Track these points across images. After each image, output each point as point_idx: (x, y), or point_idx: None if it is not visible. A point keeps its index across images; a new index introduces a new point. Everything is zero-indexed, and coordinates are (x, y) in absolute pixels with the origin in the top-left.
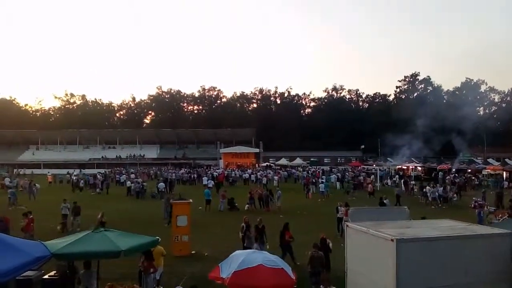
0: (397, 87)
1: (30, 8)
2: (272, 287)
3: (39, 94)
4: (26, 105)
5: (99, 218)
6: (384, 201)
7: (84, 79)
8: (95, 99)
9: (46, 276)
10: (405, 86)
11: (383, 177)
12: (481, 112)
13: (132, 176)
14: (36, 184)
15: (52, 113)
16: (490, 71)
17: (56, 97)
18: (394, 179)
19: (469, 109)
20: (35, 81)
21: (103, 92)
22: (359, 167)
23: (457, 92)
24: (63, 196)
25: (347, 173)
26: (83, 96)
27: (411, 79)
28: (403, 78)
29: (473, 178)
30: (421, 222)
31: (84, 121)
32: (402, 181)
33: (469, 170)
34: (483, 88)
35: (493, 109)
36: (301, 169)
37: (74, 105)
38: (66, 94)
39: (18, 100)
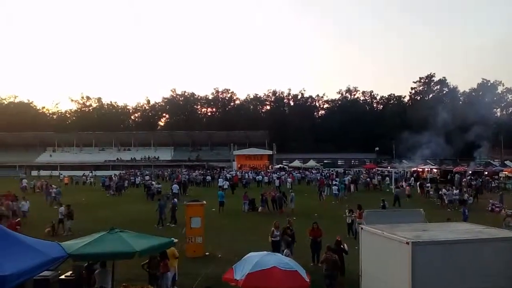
0: (412, 88)
1: (47, 12)
2: None
3: (56, 97)
4: (43, 108)
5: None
6: (385, 204)
7: (99, 82)
8: (111, 102)
9: (62, 277)
10: (421, 88)
11: (398, 180)
12: (498, 114)
13: (147, 177)
14: (53, 186)
15: (68, 115)
16: (507, 71)
17: (72, 100)
18: (409, 181)
19: (486, 111)
20: (52, 85)
21: (118, 95)
22: (374, 169)
23: (473, 93)
24: (80, 198)
25: (361, 175)
26: (99, 99)
27: (427, 80)
28: (418, 79)
29: (490, 180)
30: (437, 225)
31: (100, 124)
32: (417, 183)
33: (486, 173)
34: (500, 89)
35: (510, 110)
36: (314, 171)
37: (90, 108)
38: (82, 97)
39: (35, 103)
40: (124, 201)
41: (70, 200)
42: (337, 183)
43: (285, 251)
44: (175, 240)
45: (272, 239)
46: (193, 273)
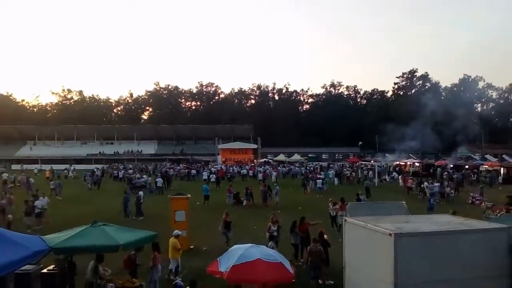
0: (395, 83)
1: (27, 4)
2: (271, 281)
3: (36, 90)
4: (23, 100)
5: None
6: (360, 197)
7: (81, 74)
8: (93, 95)
9: (44, 270)
10: (403, 83)
11: (381, 173)
12: (479, 109)
13: (130, 171)
14: (30, 179)
15: (49, 108)
16: (488, 67)
17: (53, 93)
18: (392, 175)
19: (467, 106)
20: (32, 77)
21: (101, 88)
22: (357, 163)
23: (455, 89)
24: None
25: (345, 169)
26: (81, 92)
27: (409, 76)
28: (401, 74)
29: (471, 174)
30: (419, 217)
31: (82, 117)
32: (400, 176)
33: (467, 166)
34: (481, 84)
35: (491, 105)
36: (297, 165)
37: (72, 101)
38: (64, 90)
39: (15, 95)
40: (102, 195)
41: (49, 193)
42: (321, 176)
43: (269, 243)
44: (179, 232)
45: (269, 234)
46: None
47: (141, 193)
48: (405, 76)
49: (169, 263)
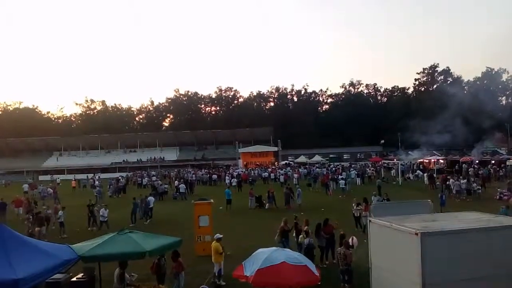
0: (416, 79)
1: (49, 16)
2: (296, 284)
3: (61, 102)
4: (48, 112)
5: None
6: (372, 198)
7: (103, 85)
8: (115, 104)
9: (74, 279)
10: (424, 78)
11: (405, 172)
12: (504, 102)
13: (154, 178)
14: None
15: (73, 119)
16: None
17: (77, 104)
18: (416, 173)
19: (491, 99)
20: (56, 89)
21: (122, 97)
22: (380, 162)
23: (478, 82)
24: (87, 201)
25: (367, 169)
26: (103, 102)
27: (430, 71)
28: (422, 70)
29: (498, 169)
30: (446, 215)
31: (105, 126)
32: (425, 174)
33: (493, 161)
34: (504, 77)
35: None
36: (318, 165)
37: (95, 111)
38: (87, 101)
39: (40, 108)
40: (124, 203)
41: (79, 203)
42: (344, 177)
43: (307, 239)
44: (221, 236)
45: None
46: (203, 271)
47: (151, 198)
48: (426, 71)
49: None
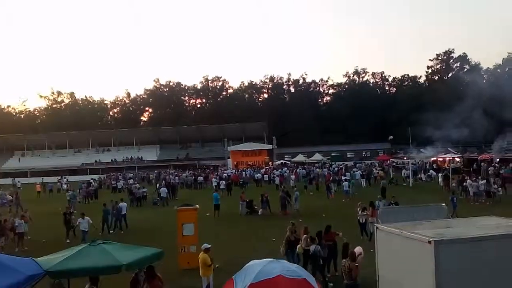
0: (428, 67)
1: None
2: None
3: (23, 94)
4: (8, 107)
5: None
6: (377, 203)
7: (72, 74)
8: (85, 96)
9: None
10: (438, 66)
11: (416, 172)
12: None
13: (130, 181)
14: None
15: (38, 114)
16: None
17: (41, 96)
18: (428, 173)
19: None
20: (17, 79)
21: (94, 88)
22: (388, 161)
23: (498, 70)
24: (56, 206)
25: (374, 169)
26: (72, 94)
27: (445, 58)
28: (435, 56)
29: None
30: (462, 221)
31: (74, 122)
32: (439, 175)
33: None
34: None
35: None
36: (317, 165)
37: (62, 104)
38: (53, 93)
39: None
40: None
41: (45, 210)
42: (347, 178)
43: (315, 247)
44: (209, 246)
45: (305, 248)
46: (188, 287)
47: (123, 204)
48: (440, 58)
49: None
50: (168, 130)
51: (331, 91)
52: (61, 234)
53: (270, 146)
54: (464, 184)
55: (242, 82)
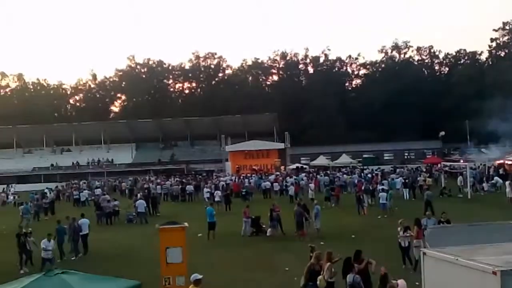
0: (492, 40)
1: None
2: None
3: None
4: None
5: None
6: (425, 221)
7: (20, 51)
8: (38, 79)
9: None
10: (505, 38)
11: (476, 179)
12: None
13: (98, 191)
14: None
15: None
16: None
17: None
18: (493, 180)
19: None
20: None
21: (49, 69)
22: (438, 165)
23: None
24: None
25: (420, 175)
26: (20, 76)
27: None
28: (501, 26)
29: None
30: None
31: (23, 113)
32: (507, 183)
33: None
34: None
35: None
36: (344, 170)
37: (7, 89)
38: None
39: None
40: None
41: None
42: (385, 187)
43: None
44: (200, 276)
45: (328, 280)
46: None
47: (84, 221)
48: (508, 28)
49: None
50: (146, 124)
51: (362, 71)
52: (10, 261)
53: (281, 145)
54: None
55: (244, 60)
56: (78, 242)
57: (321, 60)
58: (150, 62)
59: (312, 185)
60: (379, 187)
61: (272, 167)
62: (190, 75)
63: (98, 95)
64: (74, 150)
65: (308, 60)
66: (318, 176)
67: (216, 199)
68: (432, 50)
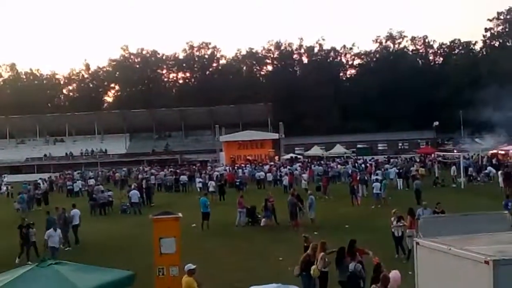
0: (486, 29)
1: None
2: None
3: None
4: None
5: None
6: (420, 212)
7: (13, 41)
8: (31, 69)
9: None
10: (499, 28)
11: (470, 169)
12: None
13: (91, 182)
14: None
15: None
16: None
17: None
18: (486, 170)
19: None
20: None
21: (42, 58)
22: (432, 155)
23: None
24: None
25: (414, 165)
26: (12, 66)
27: (508, 17)
28: (496, 15)
29: None
30: None
31: (16, 103)
32: (499, 172)
33: None
34: None
35: None
36: (338, 161)
37: (0, 79)
38: None
39: None
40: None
41: None
42: (378, 177)
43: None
44: (193, 266)
45: (322, 270)
46: None
47: (75, 211)
48: (502, 17)
49: None
50: (140, 114)
51: (356, 61)
52: (4, 252)
53: (276, 135)
54: None
55: (238, 50)
56: (67, 232)
57: (316, 50)
58: (144, 52)
59: (306, 175)
60: (373, 177)
61: (266, 157)
62: (184, 65)
63: (91, 85)
64: (67, 141)
65: (302, 50)
66: (312, 166)
67: (210, 189)
68: (426, 40)
